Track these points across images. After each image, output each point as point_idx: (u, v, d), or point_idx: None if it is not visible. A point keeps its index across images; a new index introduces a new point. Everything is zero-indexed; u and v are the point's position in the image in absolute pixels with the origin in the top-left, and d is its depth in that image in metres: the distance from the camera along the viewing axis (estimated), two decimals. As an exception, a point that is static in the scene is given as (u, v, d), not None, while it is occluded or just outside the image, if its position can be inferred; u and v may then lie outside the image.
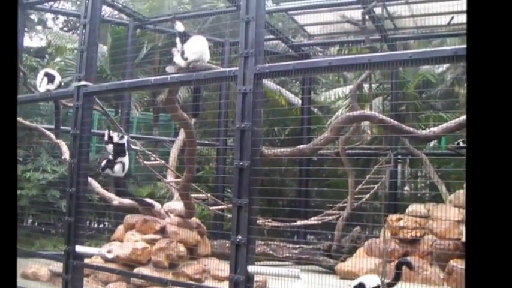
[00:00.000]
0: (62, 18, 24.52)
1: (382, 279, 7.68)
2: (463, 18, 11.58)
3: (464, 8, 10.76)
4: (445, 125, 7.48)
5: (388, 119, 7.43)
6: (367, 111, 10.48)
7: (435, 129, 7.49)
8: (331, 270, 10.81)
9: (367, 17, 11.56)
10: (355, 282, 7.48)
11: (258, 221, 6.07)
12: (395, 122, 7.43)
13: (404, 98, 15.11)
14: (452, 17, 11.77)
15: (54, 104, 9.68)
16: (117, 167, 8.24)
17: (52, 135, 10.03)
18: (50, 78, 8.45)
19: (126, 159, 8.38)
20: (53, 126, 10.14)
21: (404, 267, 8.28)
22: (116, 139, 8.26)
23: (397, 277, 7.74)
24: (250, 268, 5.28)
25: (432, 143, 14.30)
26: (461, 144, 11.45)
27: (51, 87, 8.40)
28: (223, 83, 11.24)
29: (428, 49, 8.80)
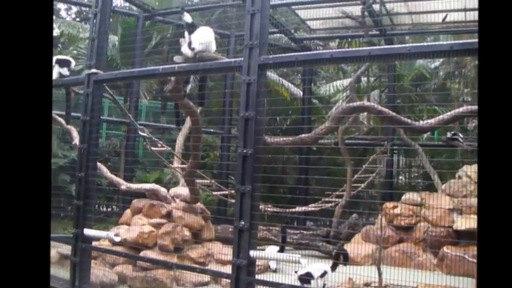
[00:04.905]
0: (74, 8, 24.38)
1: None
2: (456, 16, 11.49)
3: (458, 6, 10.71)
4: (440, 117, 7.34)
5: (386, 110, 7.28)
6: (366, 102, 10.33)
7: (432, 120, 7.35)
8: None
9: (366, 13, 11.45)
10: (303, 271, 7.39)
11: (260, 207, 5.93)
12: (393, 113, 7.29)
13: (400, 91, 14.99)
14: (446, 15, 11.64)
15: (65, 91, 9.52)
16: None
17: (63, 121, 9.87)
18: (62, 64, 8.32)
19: None
20: (64, 113, 9.99)
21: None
22: None
23: (335, 267, 7.73)
24: (253, 253, 5.18)
25: (426, 135, 14.21)
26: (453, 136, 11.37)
27: (65, 72, 8.29)
28: (228, 73, 11.11)
29: (426, 43, 8.66)
